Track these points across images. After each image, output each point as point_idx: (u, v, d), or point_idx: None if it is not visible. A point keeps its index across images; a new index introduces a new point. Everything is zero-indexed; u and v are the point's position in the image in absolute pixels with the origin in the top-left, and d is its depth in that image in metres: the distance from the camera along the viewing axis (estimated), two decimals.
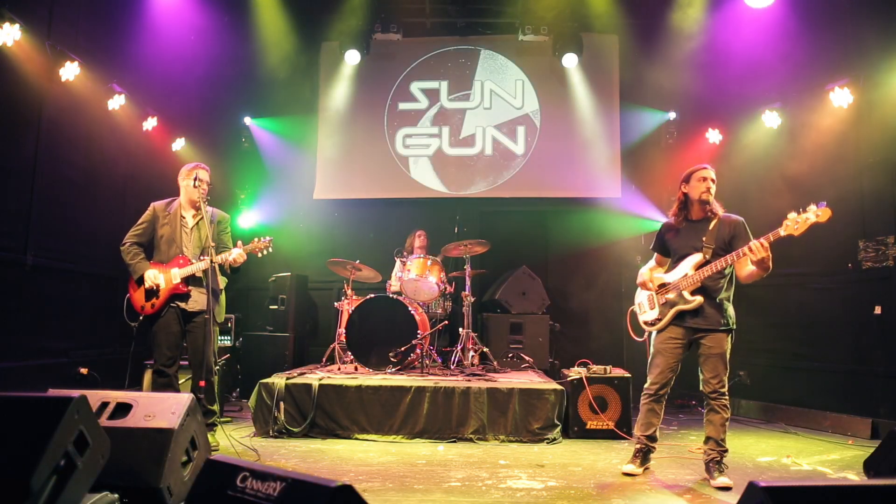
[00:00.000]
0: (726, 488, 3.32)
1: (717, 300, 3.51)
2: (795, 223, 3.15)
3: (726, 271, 3.52)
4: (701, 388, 3.61)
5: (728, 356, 3.53)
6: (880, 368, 4.91)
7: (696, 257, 3.53)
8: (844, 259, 5.27)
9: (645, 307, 3.78)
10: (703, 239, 3.52)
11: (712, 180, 3.56)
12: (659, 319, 3.65)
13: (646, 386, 3.71)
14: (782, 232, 3.18)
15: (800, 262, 5.72)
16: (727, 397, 3.52)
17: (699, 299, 3.48)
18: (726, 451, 3.48)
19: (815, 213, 3.13)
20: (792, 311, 5.77)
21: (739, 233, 3.48)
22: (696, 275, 3.48)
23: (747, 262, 3.34)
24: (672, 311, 3.57)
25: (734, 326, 3.56)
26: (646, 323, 3.76)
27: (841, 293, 5.33)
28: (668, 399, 3.84)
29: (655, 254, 3.86)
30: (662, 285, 3.68)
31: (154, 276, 3.98)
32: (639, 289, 3.89)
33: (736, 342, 6.16)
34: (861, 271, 5.12)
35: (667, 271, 3.74)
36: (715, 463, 3.46)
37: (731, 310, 3.57)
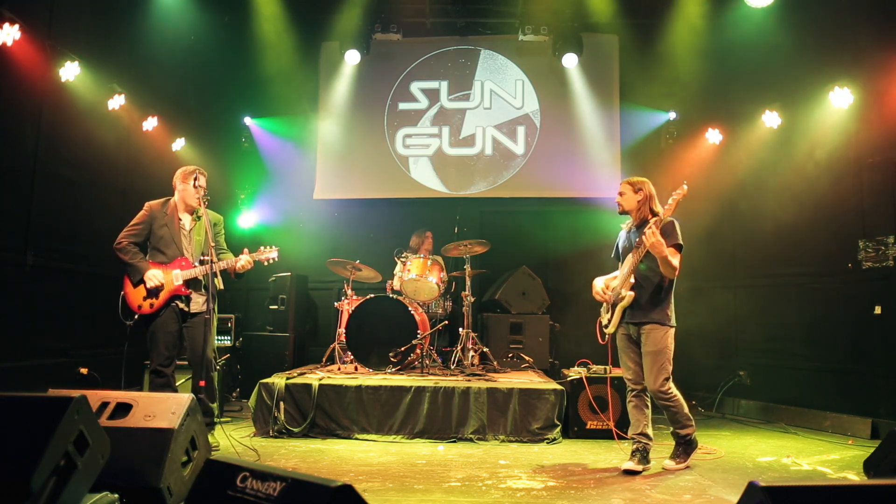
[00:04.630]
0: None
1: (654, 295, 3.73)
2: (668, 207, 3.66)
3: (641, 266, 3.74)
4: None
5: (668, 354, 3.70)
6: (880, 368, 4.91)
7: (631, 257, 3.79)
8: (844, 259, 5.26)
9: (603, 313, 4.01)
10: (636, 240, 3.76)
11: (619, 193, 3.94)
12: (610, 321, 3.90)
13: (628, 388, 3.92)
14: (662, 216, 3.64)
15: (800, 262, 5.73)
16: (665, 397, 3.69)
17: (630, 294, 3.75)
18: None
19: (676, 193, 3.60)
20: (792, 311, 5.77)
21: (666, 230, 3.70)
22: (627, 272, 3.77)
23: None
24: (617, 310, 3.82)
25: (672, 324, 3.75)
26: (603, 326, 3.98)
27: (841, 293, 5.33)
28: None
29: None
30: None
31: (157, 276, 3.98)
32: None
33: (736, 342, 6.15)
34: (861, 271, 5.12)
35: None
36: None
37: (670, 308, 3.77)
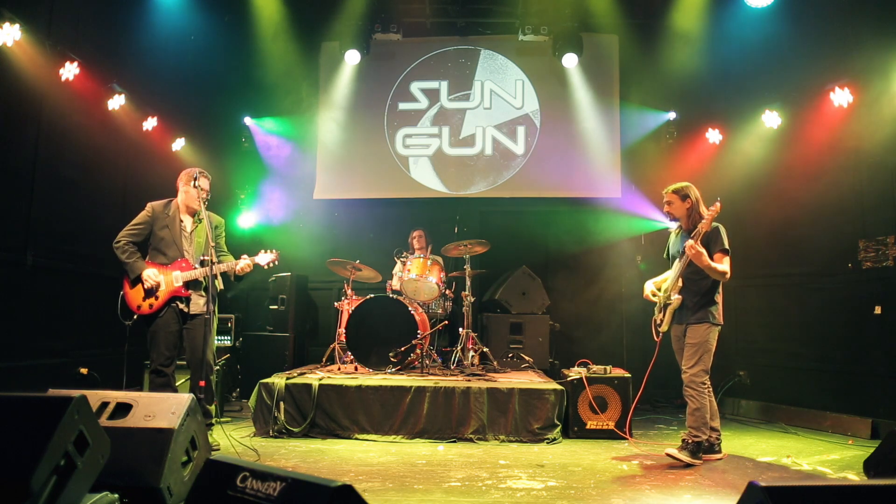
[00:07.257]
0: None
1: (701, 297, 3.90)
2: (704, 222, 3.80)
3: (687, 272, 3.91)
4: None
5: (708, 348, 3.85)
6: (880, 368, 4.90)
7: (679, 263, 3.95)
8: (844, 259, 5.26)
9: (656, 312, 4.16)
10: (684, 247, 3.87)
11: (666, 202, 4.07)
12: (663, 321, 4.06)
13: None
14: (701, 230, 3.78)
15: (800, 262, 5.73)
16: (696, 388, 3.82)
17: (678, 298, 3.94)
18: (695, 437, 3.83)
19: (711, 210, 3.74)
20: (792, 311, 5.77)
21: (712, 237, 3.85)
22: (675, 277, 3.97)
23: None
24: (668, 312, 3.97)
25: (716, 322, 3.88)
26: (657, 325, 4.12)
27: (841, 293, 5.33)
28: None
29: None
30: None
31: (154, 276, 3.98)
32: None
33: (736, 342, 6.18)
34: (861, 271, 5.12)
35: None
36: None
37: (715, 307, 3.90)
